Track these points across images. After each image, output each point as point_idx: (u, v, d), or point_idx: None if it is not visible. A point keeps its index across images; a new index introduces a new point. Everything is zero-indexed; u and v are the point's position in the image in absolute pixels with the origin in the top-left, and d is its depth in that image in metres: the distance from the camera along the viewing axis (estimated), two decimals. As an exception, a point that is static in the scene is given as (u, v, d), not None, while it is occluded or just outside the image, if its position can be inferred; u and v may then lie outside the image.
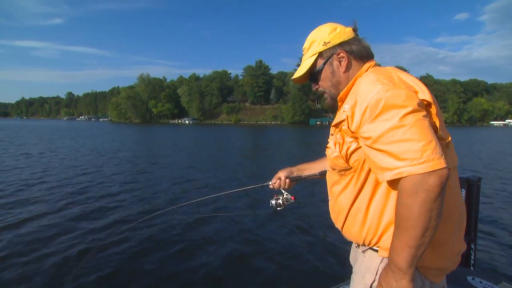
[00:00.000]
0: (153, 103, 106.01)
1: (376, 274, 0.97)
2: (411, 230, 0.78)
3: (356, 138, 0.96)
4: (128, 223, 4.95)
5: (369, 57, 1.08)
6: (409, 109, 0.80)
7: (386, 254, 0.94)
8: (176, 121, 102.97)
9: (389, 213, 0.94)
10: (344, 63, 1.06)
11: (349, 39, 1.07)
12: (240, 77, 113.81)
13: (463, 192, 2.22)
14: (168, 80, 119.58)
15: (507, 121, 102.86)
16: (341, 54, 1.06)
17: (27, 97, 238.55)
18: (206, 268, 3.67)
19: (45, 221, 5.13)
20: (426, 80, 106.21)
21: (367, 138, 0.86)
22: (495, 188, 8.09)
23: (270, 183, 1.47)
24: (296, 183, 1.45)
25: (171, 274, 3.53)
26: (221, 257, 3.96)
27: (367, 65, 1.06)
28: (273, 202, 1.43)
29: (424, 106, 0.85)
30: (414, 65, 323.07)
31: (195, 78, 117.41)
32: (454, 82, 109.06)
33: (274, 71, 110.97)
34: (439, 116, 0.89)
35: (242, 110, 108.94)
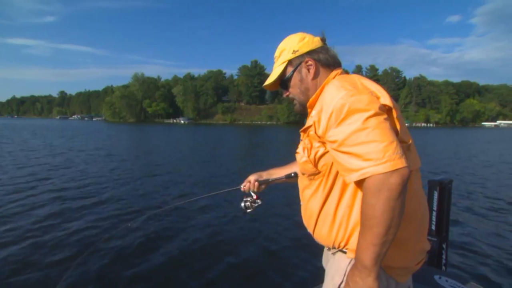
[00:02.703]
0: (148, 103, 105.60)
1: (345, 275, 1.00)
2: (375, 228, 0.81)
3: (323, 143, 0.99)
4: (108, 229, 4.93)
5: (335, 65, 1.12)
6: (371, 112, 0.84)
7: (354, 255, 0.96)
8: (171, 121, 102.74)
9: (356, 215, 0.97)
10: (312, 70, 1.10)
11: (317, 48, 1.11)
12: (235, 77, 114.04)
13: (436, 194, 2.30)
14: (163, 79, 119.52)
15: (498, 122, 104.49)
16: (309, 62, 1.10)
17: (18, 95, 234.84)
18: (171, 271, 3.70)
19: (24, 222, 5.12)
20: (420, 81, 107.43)
21: (333, 142, 0.90)
22: (473, 189, 8.25)
23: (242, 186, 1.54)
24: (266, 186, 1.52)
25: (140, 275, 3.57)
26: (190, 260, 3.99)
27: (334, 72, 1.10)
28: (242, 204, 1.50)
29: (386, 110, 0.90)
30: (407, 66, 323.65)
31: (190, 77, 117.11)
32: (447, 83, 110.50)
33: (269, 71, 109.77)
34: (400, 119, 0.94)
35: (237, 110, 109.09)
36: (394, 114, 0.92)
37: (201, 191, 7.49)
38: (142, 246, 4.33)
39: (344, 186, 0.99)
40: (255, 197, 1.50)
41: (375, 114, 0.84)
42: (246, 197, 1.52)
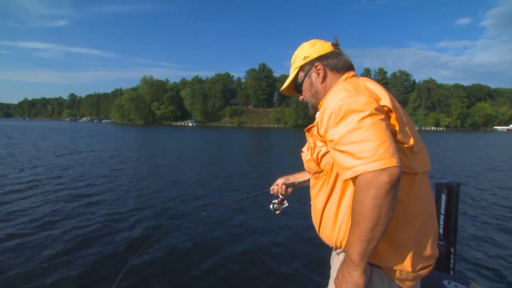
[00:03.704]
0: (156, 105, 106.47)
1: None
2: (362, 225, 0.83)
3: (325, 142, 1.02)
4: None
5: (345, 68, 1.15)
6: (367, 112, 0.86)
7: None
8: (179, 123, 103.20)
9: None
10: (321, 74, 1.15)
11: (327, 53, 1.16)
12: (243, 80, 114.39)
13: (443, 197, 2.25)
14: (171, 82, 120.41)
15: (511, 126, 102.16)
16: (318, 67, 1.15)
17: (29, 98, 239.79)
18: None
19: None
20: (430, 85, 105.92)
21: (331, 141, 0.93)
22: (482, 193, 8.07)
23: (271, 189, 1.64)
24: (293, 189, 1.61)
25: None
26: (214, 259, 4.00)
27: (344, 75, 1.13)
28: (271, 206, 1.61)
29: (384, 111, 0.92)
30: (416, 70, 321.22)
31: (198, 80, 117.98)
32: (457, 86, 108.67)
33: (277, 74, 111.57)
34: (400, 121, 0.95)
35: (245, 113, 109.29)
36: (394, 115, 0.93)
37: (230, 195, 7.55)
38: (193, 245, 4.41)
39: (345, 185, 1.01)
40: (279, 199, 1.60)
41: (371, 114, 0.86)
42: (274, 199, 1.61)
